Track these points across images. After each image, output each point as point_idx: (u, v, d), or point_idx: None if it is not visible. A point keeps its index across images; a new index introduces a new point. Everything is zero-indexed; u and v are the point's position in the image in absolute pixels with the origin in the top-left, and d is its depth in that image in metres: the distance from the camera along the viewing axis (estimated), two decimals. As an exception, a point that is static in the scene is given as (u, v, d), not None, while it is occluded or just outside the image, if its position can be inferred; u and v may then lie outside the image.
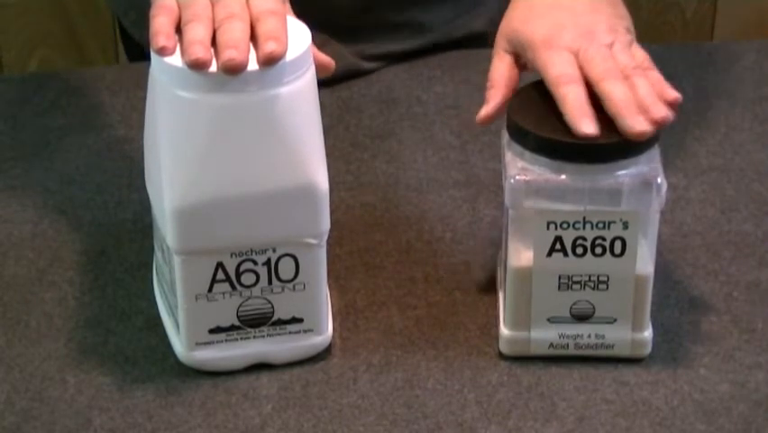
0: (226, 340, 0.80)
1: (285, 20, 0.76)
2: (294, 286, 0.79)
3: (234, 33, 0.74)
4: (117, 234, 0.94)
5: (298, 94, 0.75)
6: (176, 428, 0.77)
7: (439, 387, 0.80)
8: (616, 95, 0.78)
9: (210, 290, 0.78)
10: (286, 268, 0.78)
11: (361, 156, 1.03)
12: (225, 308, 0.79)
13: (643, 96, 0.78)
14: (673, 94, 0.80)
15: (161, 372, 0.81)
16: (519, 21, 0.87)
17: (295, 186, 0.76)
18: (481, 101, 0.84)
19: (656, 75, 0.82)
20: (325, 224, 0.78)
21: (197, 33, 0.74)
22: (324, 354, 0.82)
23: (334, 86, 1.10)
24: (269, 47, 0.73)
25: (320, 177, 0.77)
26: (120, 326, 0.85)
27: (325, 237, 0.79)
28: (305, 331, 0.81)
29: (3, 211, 0.97)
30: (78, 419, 0.78)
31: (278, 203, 0.76)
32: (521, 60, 0.86)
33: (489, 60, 0.87)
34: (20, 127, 1.07)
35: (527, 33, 0.85)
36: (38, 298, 0.88)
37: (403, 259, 0.91)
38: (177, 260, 0.77)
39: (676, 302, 0.87)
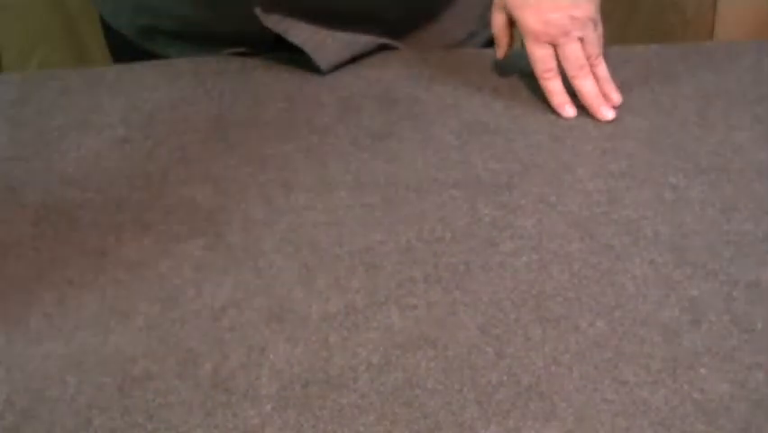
0: None
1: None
2: None
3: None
4: (117, 234, 0.94)
5: None
6: (176, 428, 0.77)
7: (439, 387, 0.80)
8: (587, 89, 1.08)
9: None
10: None
11: (360, 156, 1.03)
12: None
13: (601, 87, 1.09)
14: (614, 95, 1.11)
15: (161, 372, 0.81)
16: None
17: None
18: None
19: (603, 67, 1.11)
20: None
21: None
22: (324, 354, 0.82)
23: (335, 85, 1.10)
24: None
25: None
26: (120, 326, 0.85)
27: None
28: None
29: (3, 211, 0.97)
30: (78, 419, 0.78)
31: None
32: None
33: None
34: (20, 127, 1.07)
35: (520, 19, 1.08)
36: (38, 298, 0.88)
37: (403, 259, 0.91)
38: None
39: (676, 302, 0.87)
